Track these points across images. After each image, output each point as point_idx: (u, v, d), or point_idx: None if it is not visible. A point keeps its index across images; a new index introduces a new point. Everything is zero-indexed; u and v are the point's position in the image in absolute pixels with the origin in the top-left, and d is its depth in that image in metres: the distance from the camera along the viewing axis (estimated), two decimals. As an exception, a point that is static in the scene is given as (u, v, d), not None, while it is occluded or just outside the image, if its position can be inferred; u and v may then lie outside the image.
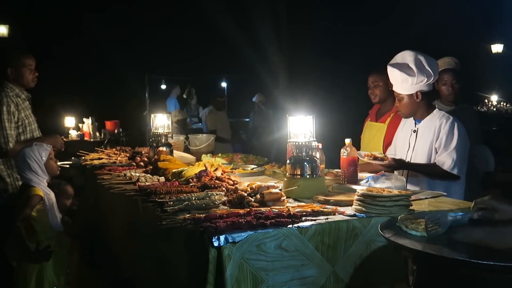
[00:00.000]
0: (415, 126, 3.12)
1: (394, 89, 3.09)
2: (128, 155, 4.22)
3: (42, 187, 2.97)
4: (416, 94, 2.99)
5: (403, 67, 2.96)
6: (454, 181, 2.97)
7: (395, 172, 3.07)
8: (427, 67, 2.93)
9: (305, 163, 2.59)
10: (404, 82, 2.97)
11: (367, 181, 2.74)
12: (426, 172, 3.01)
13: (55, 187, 3.11)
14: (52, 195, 3.02)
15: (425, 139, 3.04)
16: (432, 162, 2.99)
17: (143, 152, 4.10)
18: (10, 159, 3.44)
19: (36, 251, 2.86)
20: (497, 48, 13.37)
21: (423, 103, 3.03)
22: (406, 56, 2.98)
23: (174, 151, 3.96)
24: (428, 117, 3.05)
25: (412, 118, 3.14)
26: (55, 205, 3.01)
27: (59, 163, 3.31)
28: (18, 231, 2.79)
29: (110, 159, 4.12)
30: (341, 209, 2.19)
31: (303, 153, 2.62)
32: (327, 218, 2.06)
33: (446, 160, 2.93)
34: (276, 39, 9.49)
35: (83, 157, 4.24)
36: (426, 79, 2.94)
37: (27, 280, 2.89)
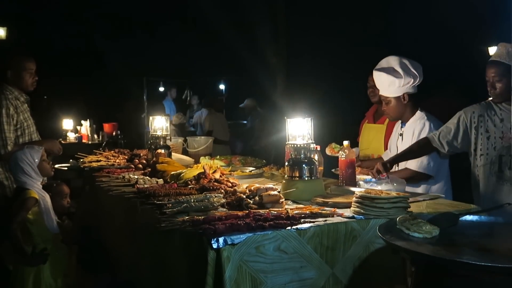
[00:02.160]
0: (401, 129, 3.24)
1: (380, 93, 3.21)
2: (126, 157, 4.21)
3: (36, 189, 2.96)
4: (403, 96, 3.12)
5: (389, 71, 3.11)
6: (427, 180, 3.02)
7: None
8: (412, 70, 3.08)
9: (304, 165, 2.59)
10: (391, 85, 3.11)
11: (368, 182, 2.75)
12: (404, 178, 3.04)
13: (50, 189, 3.10)
14: (47, 197, 3.01)
15: (407, 141, 3.14)
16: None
17: (141, 154, 4.10)
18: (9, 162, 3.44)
19: (33, 254, 2.85)
20: (493, 50, 13.38)
21: (409, 105, 3.15)
22: (390, 61, 3.13)
23: (173, 153, 3.96)
24: (411, 119, 3.17)
25: (400, 121, 3.25)
26: (51, 207, 3.00)
27: (57, 166, 3.31)
28: (13, 234, 2.78)
29: (108, 161, 4.12)
30: (339, 211, 2.19)
31: (302, 155, 2.62)
32: (325, 220, 2.06)
33: (413, 160, 3.01)
34: (274, 41, 9.50)
35: (81, 160, 4.23)
36: (412, 80, 3.08)
37: (24, 284, 2.88)
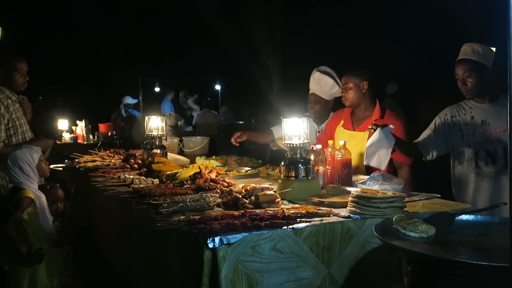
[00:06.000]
0: None
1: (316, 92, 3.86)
2: (122, 157, 4.20)
3: (32, 190, 2.94)
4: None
5: (326, 76, 3.83)
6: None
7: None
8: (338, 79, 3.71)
9: (300, 165, 2.59)
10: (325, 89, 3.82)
11: (365, 182, 2.74)
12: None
13: (45, 191, 3.08)
14: (43, 197, 3.00)
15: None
16: None
17: (137, 154, 4.09)
18: (3, 161, 3.41)
19: (28, 254, 2.83)
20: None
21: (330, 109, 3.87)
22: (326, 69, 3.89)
23: (168, 154, 3.95)
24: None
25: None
26: (47, 207, 2.98)
27: (52, 166, 3.28)
28: (8, 234, 2.76)
29: (103, 161, 4.10)
30: (335, 210, 2.19)
31: (298, 155, 2.62)
32: (321, 220, 2.06)
33: None
34: (270, 42, 9.50)
35: (76, 160, 4.21)
36: (339, 89, 3.66)
37: (20, 284, 2.87)
